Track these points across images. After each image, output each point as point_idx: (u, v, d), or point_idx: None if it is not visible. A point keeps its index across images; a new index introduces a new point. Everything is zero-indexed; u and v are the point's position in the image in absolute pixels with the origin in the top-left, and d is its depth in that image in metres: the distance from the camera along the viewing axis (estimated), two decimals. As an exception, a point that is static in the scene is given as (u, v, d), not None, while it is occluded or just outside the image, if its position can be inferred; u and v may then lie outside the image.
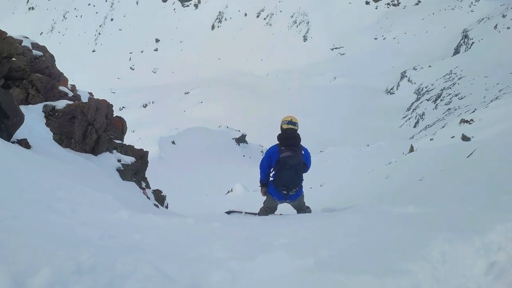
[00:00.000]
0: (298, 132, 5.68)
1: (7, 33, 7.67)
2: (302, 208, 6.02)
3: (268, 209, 6.06)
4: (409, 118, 53.16)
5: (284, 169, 5.38)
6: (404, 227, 2.60)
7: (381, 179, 12.48)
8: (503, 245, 2.23)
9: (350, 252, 2.17)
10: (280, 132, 5.70)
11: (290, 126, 5.61)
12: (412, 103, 57.30)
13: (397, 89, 66.60)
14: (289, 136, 5.53)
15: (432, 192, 7.50)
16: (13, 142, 5.51)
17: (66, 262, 1.69)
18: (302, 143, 5.67)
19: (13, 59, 7.37)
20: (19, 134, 5.73)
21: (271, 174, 5.79)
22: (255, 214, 6.61)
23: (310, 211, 6.12)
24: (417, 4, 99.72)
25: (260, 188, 6.11)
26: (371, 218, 3.00)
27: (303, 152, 5.53)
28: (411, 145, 21.14)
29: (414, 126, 48.76)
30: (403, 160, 16.55)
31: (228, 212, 7.25)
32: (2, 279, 1.45)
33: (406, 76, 66.92)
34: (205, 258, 2.08)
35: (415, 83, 63.52)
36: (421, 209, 3.38)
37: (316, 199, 11.07)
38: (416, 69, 66.88)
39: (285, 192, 5.52)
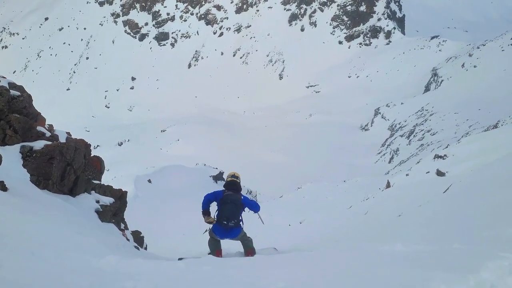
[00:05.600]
0: (241, 184, 7.27)
1: (-16, 74, 7.60)
2: (244, 239, 7.14)
3: (212, 244, 7.18)
4: (384, 154, 53.93)
5: (226, 203, 6.74)
6: (400, 267, 2.62)
7: (361, 215, 12.54)
8: (495, 283, 2.27)
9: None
10: (225, 182, 7.23)
11: (232, 179, 7.17)
12: (386, 139, 58.30)
13: (371, 125, 67.82)
14: (230, 183, 7.06)
15: (412, 228, 7.57)
16: (-11, 185, 5.36)
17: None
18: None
19: (-9, 99, 7.27)
20: (-5, 176, 5.59)
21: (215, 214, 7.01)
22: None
23: (251, 239, 7.19)
24: (387, 44, 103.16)
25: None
26: (364, 258, 3.01)
27: (242, 197, 6.93)
28: (388, 180, 21.30)
29: (389, 162, 49.41)
30: (380, 196, 16.69)
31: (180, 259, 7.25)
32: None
33: (379, 113, 68.34)
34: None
35: (388, 119, 64.84)
36: (408, 247, 3.41)
37: (297, 236, 11.02)
38: (389, 106, 68.43)
39: (225, 222, 6.71)
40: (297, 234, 12.28)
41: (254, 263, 3.65)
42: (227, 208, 6.70)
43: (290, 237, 11.55)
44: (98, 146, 67.70)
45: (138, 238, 9.46)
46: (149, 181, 30.85)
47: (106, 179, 11.96)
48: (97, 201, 8.15)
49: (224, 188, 7.08)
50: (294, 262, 3.51)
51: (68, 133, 9.51)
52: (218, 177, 37.99)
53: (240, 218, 6.91)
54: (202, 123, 77.88)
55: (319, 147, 60.34)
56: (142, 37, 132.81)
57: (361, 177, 32.51)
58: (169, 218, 24.32)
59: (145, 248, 9.74)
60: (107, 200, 8.58)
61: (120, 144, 73.00)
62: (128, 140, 74.11)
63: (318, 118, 75.61)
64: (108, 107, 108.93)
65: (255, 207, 7.15)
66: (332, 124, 70.85)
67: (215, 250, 7.11)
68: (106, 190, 9.22)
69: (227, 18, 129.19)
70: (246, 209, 7.22)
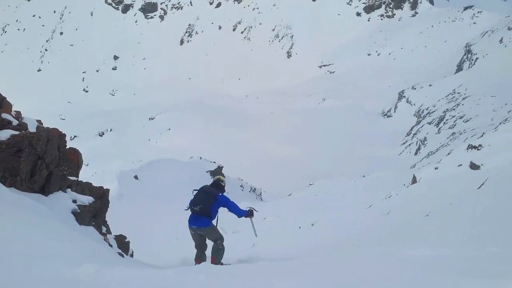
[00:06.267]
0: (225, 185, 8.71)
1: None
2: (217, 243, 8.23)
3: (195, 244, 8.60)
4: (409, 144, 53.92)
5: (197, 192, 8.27)
6: (427, 274, 2.61)
7: (382, 216, 12.57)
8: (536, 293, 2.26)
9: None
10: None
11: (217, 179, 8.71)
12: (412, 127, 58.24)
13: (394, 111, 67.72)
14: (213, 182, 8.66)
15: (442, 230, 7.57)
16: None
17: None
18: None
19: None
20: (-45, 172, 5.61)
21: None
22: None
23: (223, 250, 8.18)
24: (413, 16, 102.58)
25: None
26: (385, 264, 2.99)
27: (219, 194, 8.25)
28: (414, 175, 21.39)
29: (415, 153, 49.41)
30: (405, 193, 16.73)
31: None
32: None
33: (404, 97, 68.16)
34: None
35: (414, 104, 64.71)
36: (436, 251, 3.40)
37: (308, 241, 11.04)
38: (415, 89, 68.23)
39: (192, 207, 8.12)
40: (308, 237, 12.32)
41: (255, 271, 3.64)
42: (196, 195, 8.25)
43: (300, 242, 11.59)
44: (75, 136, 68.02)
45: (122, 244, 9.50)
46: (136, 177, 30.97)
47: (84, 175, 11.98)
48: (74, 201, 8.17)
49: None
50: (302, 270, 3.50)
51: (39, 122, 9.51)
52: (216, 172, 38.02)
53: (210, 209, 8.06)
54: (197, 109, 77.93)
55: (334, 137, 60.32)
56: (126, 8, 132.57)
57: (383, 172, 32.56)
58: (159, 220, 24.41)
59: (131, 255, 9.79)
60: (86, 199, 8.60)
61: (101, 134, 73.30)
62: (111, 130, 74.35)
63: (333, 103, 75.53)
64: (87, 91, 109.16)
65: (236, 210, 8.28)
66: (348, 110, 70.76)
67: (195, 258, 8.54)
68: (85, 188, 9.23)
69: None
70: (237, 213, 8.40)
